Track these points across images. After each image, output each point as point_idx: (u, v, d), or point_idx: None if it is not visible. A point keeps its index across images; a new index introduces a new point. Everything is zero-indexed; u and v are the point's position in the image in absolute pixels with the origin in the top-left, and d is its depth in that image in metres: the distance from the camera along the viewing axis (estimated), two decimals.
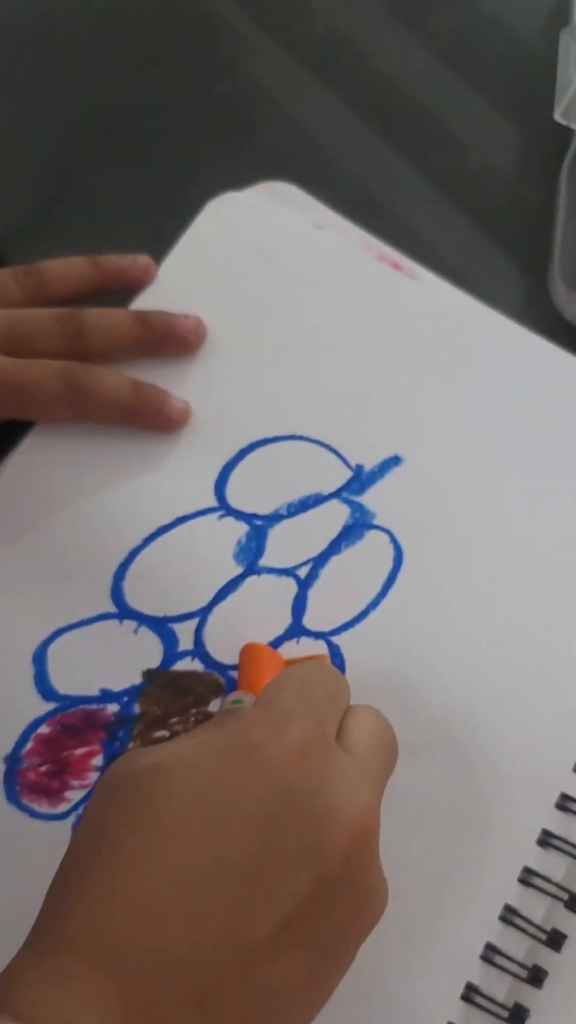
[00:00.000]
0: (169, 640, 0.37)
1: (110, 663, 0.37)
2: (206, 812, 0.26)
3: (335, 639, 0.38)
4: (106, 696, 0.37)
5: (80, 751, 0.36)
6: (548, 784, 0.35)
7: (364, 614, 0.38)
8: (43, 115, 0.50)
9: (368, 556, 0.38)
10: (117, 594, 0.38)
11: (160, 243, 0.44)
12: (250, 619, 0.38)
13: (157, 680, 0.37)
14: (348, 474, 0.40)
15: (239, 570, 0.38)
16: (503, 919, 0.33)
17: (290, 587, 0.38)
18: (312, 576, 0.38)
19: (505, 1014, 0.32)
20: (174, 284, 0.42)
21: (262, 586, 0.38)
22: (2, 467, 0.40)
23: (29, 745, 0.36)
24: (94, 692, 0.37)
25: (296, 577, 0.38)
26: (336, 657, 0.37)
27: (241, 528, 0.39)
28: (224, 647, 0.37)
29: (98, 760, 0.36)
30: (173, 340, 0.40)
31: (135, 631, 0.38)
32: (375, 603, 0.38)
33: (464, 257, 0.45)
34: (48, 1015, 0.23)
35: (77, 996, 0.23)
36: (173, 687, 0.37)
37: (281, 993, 0.25)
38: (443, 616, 0.38)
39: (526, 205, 0.47)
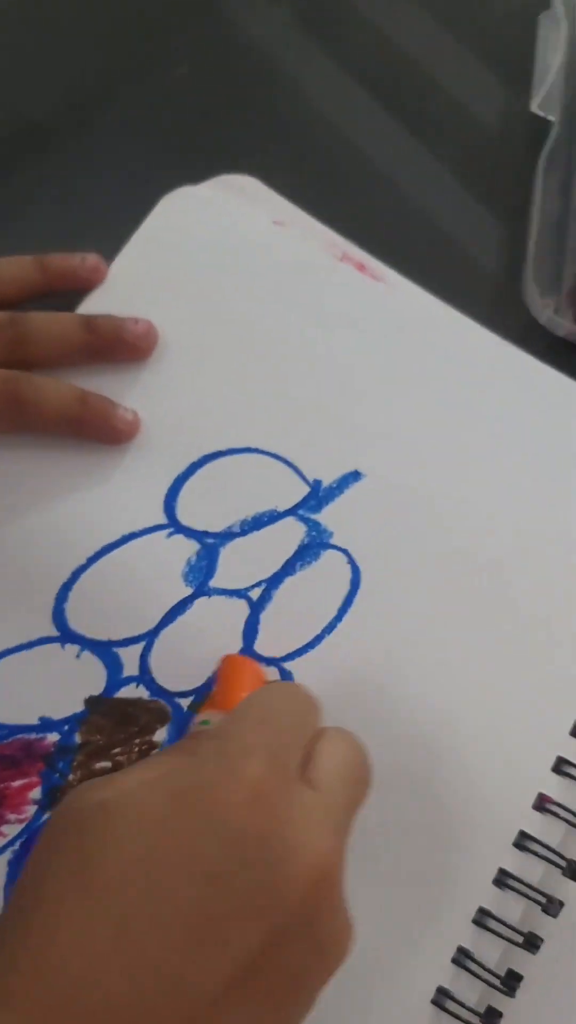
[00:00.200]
0: (113, 665, 0.36)
1: (50, 689, 0.36)
2: (150, 860, 0.24)
3: (287, 665, 0.36)
4: (46, 725, 0.35)
5: (17, 783, 0.35)
6: (507, 818, 0.34)
7: (318, 639, 0.36)
8: None
9: (324, 577, 0.37)
10: (59, 616, 0.36)
11: (111, 241, 0.41)
12: (199, 643, 0.36)
13: (100, 708, 0.36)
14: (305, 490, 0.38)
15: (188, 591, 0.37)
16: (455, 962, 0.33)
17: (242, 609, 0.37)
18: (265, 598, 0.37)
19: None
20: (125, 285, 0.40)
21: (212, 608, 0.37)
22: None
23: None
24: (33, 720, 0.35)
25: (248, 599, 0.37)
26: None
27: (191, 546, 0.37)
28: (171, 673, 0.36)
29: (36, 793, 0.35)
30: (122, 346, 0.38)
31: (77, 655, 0.36)
32: (330, 627, 0.36)
33: (435, 259, 0.43)
34: None
35: None
36: (116, 715, 0.35)
37: None
38: (400, 642, 0.36)
39: (500, 204, 0.45)
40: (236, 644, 0.36)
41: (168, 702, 0.36)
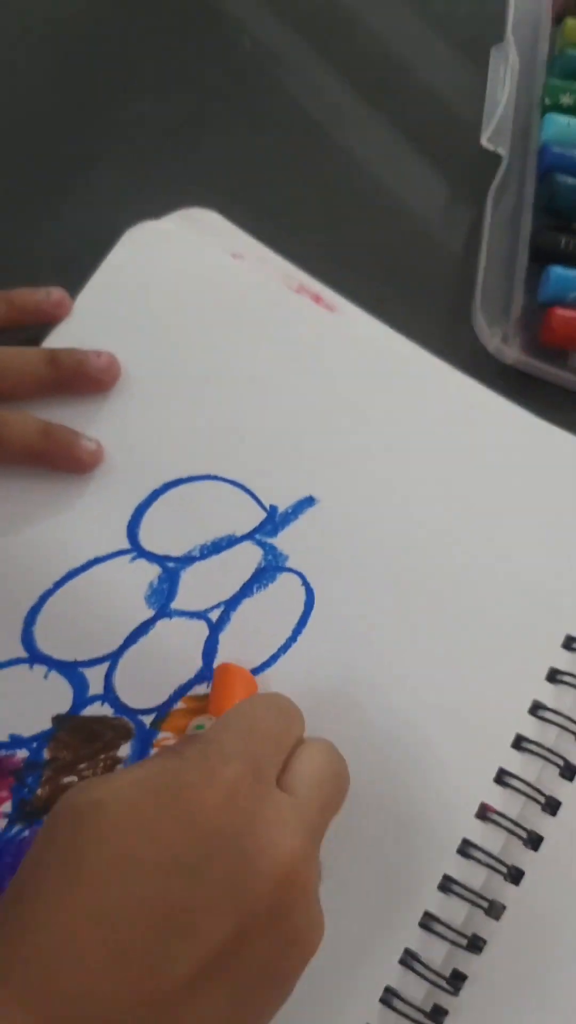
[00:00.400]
0: (79, 685, 0.38)
1: (20, 708, 0.37)
2: (132, 855, 0.26)
3: None
4: (15, 742, 0.37)
5: None
6: (449, 828, 0.36)
7: (274, 658, 0.38)
8: None
9: (280, 599, 0.39)
10: (27, 638, 0.38)
11: (78, 274, 0.43)
12: (161, 663, 0.38)
13: (67, 725, 0.37)
14: (262, 515, 0.40)
15: (150, 613, 0.38)
16: (402, 962, 0.35)
17: (202, 630, 0.38)
18: (224, 619, 0.38)
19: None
20: (89, 319, 0.42)
21: (173, 629, 0.38)
22: None
23: None
24: (3, 738, 0.37)
25: (208, 620, 0.38)
26: None
27: (153, 570, 0.39)
28: (134, 691, 0.38)
29: (6, 807, 0.36)
30: (85, 379, 0.40)
31: (45, 676, 0.38)
32: (285, 647, 0.38)
33: (389, 289, 0.45)
34: None
35: None
36: (82, 732, 0.37)
37: None
38: (352, 660, 0.38)
39: (452, 236, 0.46)
40: (196, 664, 0.38)
41: (131, 719, 0.37)
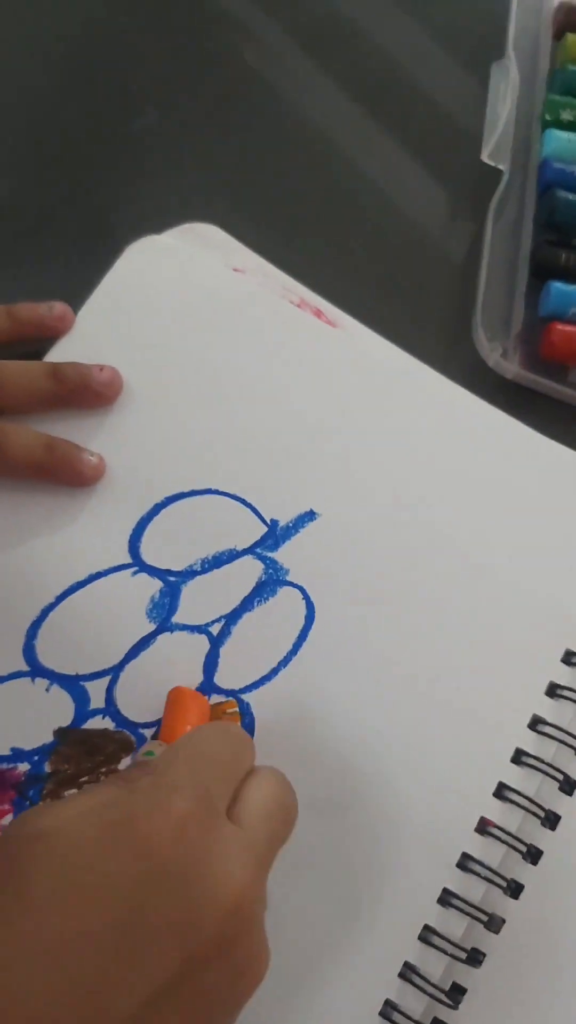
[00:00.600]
0: (80, 698, 0.38)
1: (21, 721, 0.37)
2: (78, 885, 0.26)
3: (245, 697, 0.38)
4: (17, 755, 0.37)
5: None
6: (448, 842, 0.36)
7: (274, 672, 0.38)
8: None
9: (280, 613, 0.39)
10: (29, 652, 0.38)
11: (80, 288, 0.43)
12: (161, 677, 0.38)
13: (68, 738, 0.37)
14: (263, 529, 0.40)
15: (151, 627, 0.39)
16: (402, 976, 0.35)
17: (202, 644, 0.39)
18: (224, 633, 0.39)
19: None
20: (91, 333, 0.42)
21: (174, 643, 0.38)
22: None
23: None
24: (5, 751, 0.37)
25: (208, 634, 0.39)
26: (246, 715, 0.38)
27: (155, 584, 0.39)
28: (135, 705, 0.38)
29: (7, 820, 0.37)
30: (88, 394, 0.40)
31: (47, 689, 0.38)
32: (285, 661, 0.38)
33: (390, 304, 0.45)
34: None
35: None
36: (84, 745, 0.37)
37: None
38: (352, 674, 0.38)
39: (452, 251, 0.47)
40: (197, 677, 0.38)
41: (132, 732, 0.37)
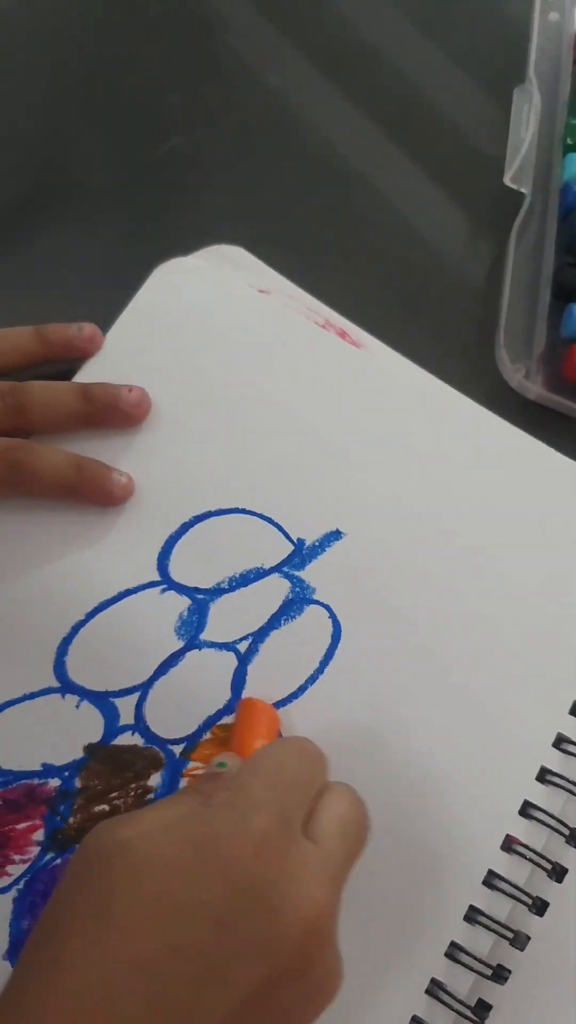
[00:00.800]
0: (110, 714, 0.38)
1: (52, 737, 0.38)
2: (163, 901, 0.26)
3: None
4: (48, 771, 0.38)
5: (21, 826, 0.37)
6: (474, 860, 0.37)
7: (302, 689, 0.39)
8: None
9: (307, 631, 0.39)
10: (60, 668, 0.39)
11: (109, 308, 0.44)
12: (190, 693, 0.39)
13: (98, 755, 0.38)
14: (290, 548, 0.40)
15: (180, 644, 0.39)
16: (429, 992, 0.35)
17: (230, 661, 0.39)
18: (252, 651, 0.39)
19: None
20: (120, 353, 0.43)
21: (203, 660, 0.39)
22: None
23: None
24: (36, 767, 0.38)
25: (236, 651, 0.39)
26: None
27: (183, 602, 0.40)
28: (164, 721, 0.38)
29: (39, 835, 0.37)
30: (116, 414, 0.41)
31: (77, 705, 0.38)
32: (313, 678, 0.39)
33: (414, 326, 0.46)
34: None
35: None
36: (113, 762, 0.38)
37: None
38: (378, 693, 0.39)
39: (475, 273, 0.47)
40: (225, 695, 0.39)
41: (161, 749, 0.38)
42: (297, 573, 0.40)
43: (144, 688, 0.38)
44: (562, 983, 0.36)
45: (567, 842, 0.37)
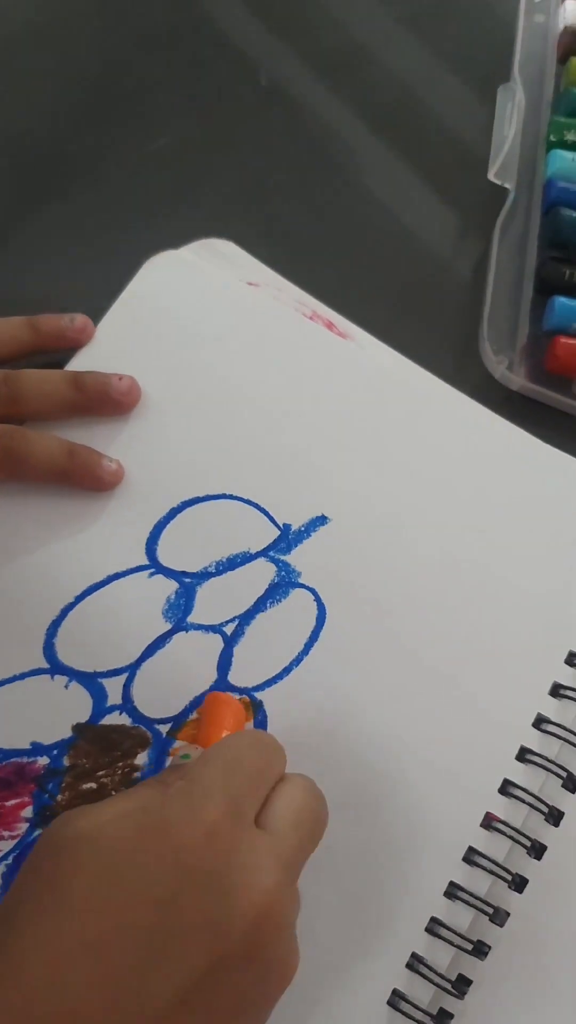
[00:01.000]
0: (98, 695, 0.39)
1: (41, 717, 0.39)
2: (114, 886, 0.27)
3: (259, 695, 0.39)
4: (37, 749, 0.38)
5: (10, 803, 0.38)
6: (455, 837, 0.37)
7: (287, 670, 0.39)
8: None
9: (292, 614, 0.40)
10: (49, 650, 0.39)
11: (100, 300, 0.44)
12: (177, 674, 0.39)
13: (86, 734, 0.39)
14: (276, 533, 0.41)
15: (167, 627, 0.40)
16: (409, 967, 0.36)
17: (217, 643, 0.40)
18: (238, 633, 0.40)
19: None
20: (111, 343, 0.44)
21: (189, 642, 0.40)
22: None
23: None
24: (25, 745, 0.38)
25: (223, 634, 0.40)
26: (259, 712, 0.39)
27: (171, 586, 0.40)
28: (151, 702, 0.39)
29: (27, 812, 0.38)
30: (107, 402, 0.41)
31: (66, 686, 0.39)
32: (298, 660, 0.39)
33: (400, 317, 0.47)
34: None
35: None
36: (101, 741, 0.38)
37: None
38: (362, 674, 0.39)
39: (460, 267, 0.48)
40: (211, 676, 0.39)
41: (148, 728, 0.39)
42: (283, 557, 0.41)
43: (132, 669, 0.39)
44: (541, 959, 0.37)
45: (546, 820, 0.38)
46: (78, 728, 0.38)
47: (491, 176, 0.48)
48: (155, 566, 0.41)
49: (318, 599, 0.40)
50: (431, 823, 0.37)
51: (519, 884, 0.37)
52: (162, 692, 0.39)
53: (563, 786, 0.38)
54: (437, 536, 0.41)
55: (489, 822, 0.37)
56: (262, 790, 0.31)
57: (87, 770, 0.38)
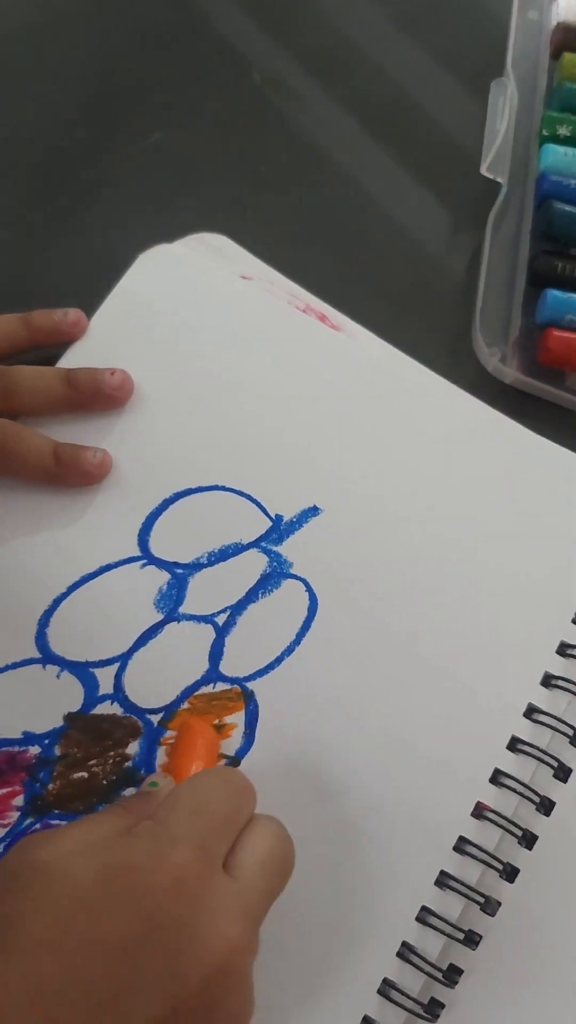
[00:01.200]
0: (90, 684, 0.39)
1: (33, 706, 0.39)
2: (69, 928, 0.26)
3: (250, 685, 0.39)
4: (28, 738, 0.38)
5: (2, 792, 0.38)
6: (445, 826, 0.37)
7: (278, 660, 0.39)
8: None
9: (284, 604, 0.40)
10: (41, 640, 0.39)
11: (94, 294, 0.45)
12: (168, 664, 0.39)
13: (78, 723, 0.39)
14: (268, 524, 0.41)
15: (159, 617, 0.40)
16: (400, 956, 0.36)
17: (208, 634, 0.40)
18: (230, 623, 0.40)
19: None
20: (104, 337, 0.44)
21: (181, 632, 0.40)
22: None
23: None
24: (17, 734, 0.38)
25: (214, 624, 0.40)
26: (250, 702, 0.39)
27: (163, 576, 0.41)
28: (143, 691, 0.39)
29: (19, 800, 0.38)
30: (100, 397, 0.42)
31: (58, 675, 0.39)
32: (289, 650, 0.40)
33: (393, 310, 0.47)
34: None
35: None
36: (93, 730, 0.39)
37: None
38: (353, 663, 0.39)
39: (453, 261, 0.48)
40: (203, 666, 0.39)
41: (140, 718, 0.39)
42: (275, 548, 0.41)
43: (123, 659, 0.39)
44: (532, 948, 0.37)
45: (537, 810, 0.38)
46: (70, 717, 0.39)
47: (483, 170, 0.48)
48: (147, 557, 0.41)
49: (310, 590, 0.40)
50: (422, 812, 0.37)
51: (510, 874, 0.36)
52: (154, 682, 0.39)
53: (554, 776, 0.38)
54: (429, 527, 0.41)
55: (480, 811, 0.37)
56: (231, 834, 0.30)
57: (78, 759, 0.38)
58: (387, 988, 0.35)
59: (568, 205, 0.47)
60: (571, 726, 0.38)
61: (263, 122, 0.52)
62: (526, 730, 0.38)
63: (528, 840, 0.37)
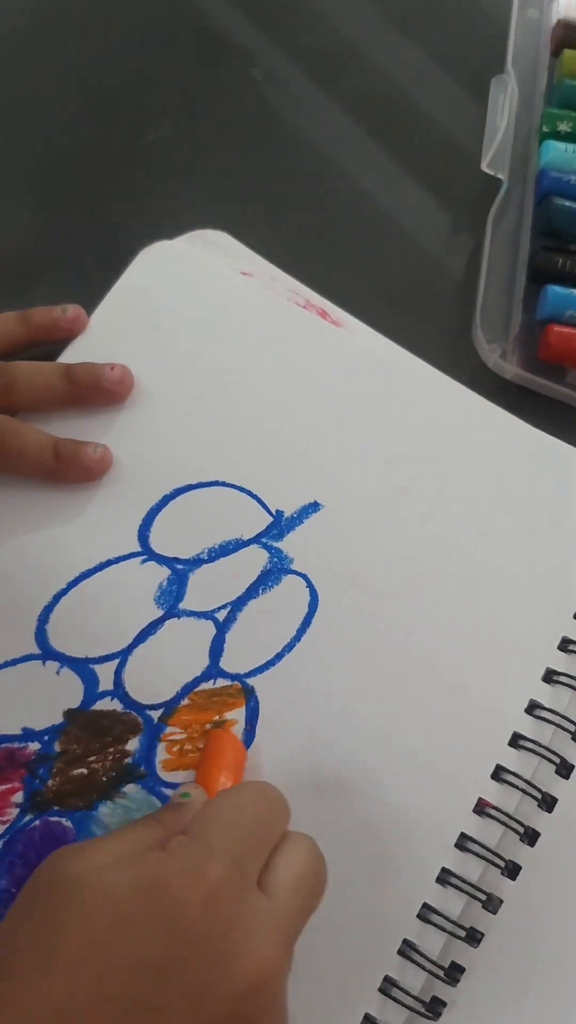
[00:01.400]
0: (90, 680, 0.39)
1: (33, 702, 0.39)
2: (106, 944, 0.26)
3: (250, 681, 0.39)
4: (28, 735, 0.38)
5: (1, 788, 0.38)
6: (447, 823, 0.37)
7: (279, 657, 0.39)
8: None
9: (284, 600, 0.40)
10: (41, 636, 0.39)
11: (95, 291, 0.45)
12: (169, 660, 0.39)
13: (77, 719, 0.38)
14: (268, 520, 0.41)
15: (159, 613, 0.40)
16: (401, 953, 0.35)
17: (208, 629, 0.40)
18: (230, 619, 0.40)
19: None
20: (104, 333, 0.44)
21: (181, 628, 0.40)
22: None
23: None
24: (16, 731, 0.38)
25: (215, 620, 0.40)
26: (251, 698, 0.39)
27: (163, 572, 0.40)
28: (143, 687, 0.39)
29: (18, 797, 0.38)
30: (100, 393, 0.41)
31: (57, 671, 0.39)
32: (290, 646, 0.39)
33: (394, 306, 0.47)
34: None
35: None
36: (93, 726, 0.38)
37: None
38: (354, 660, 0.39)
39: (454, 257, 0.48)
40: (203, 662, 0.39)
41: (140, 714, 0.39)
42: (275, 544, 0.41)
43: (123, 655, 0.39)
44: (534, 946, 0.36)
45: (539, 806, 0.37)
46: (69, 714, 0.38)
47: (484, 166, 0.48)
48: (147, 553, 0.41)
49: (310, 585, 0.40)
50: (423, 809, 0.37)
51: (512, 871, 0.36)
52: (154, 678, 0.39)
53: (556, 772, 0.38)
54: (430, 523, 0.41)
55: (482, 808, 0.37)
56: (265, 851, 0.30)
57: (78, 756, 0.38)
58: (388, 986, 0.35)
59: (568, 201, 0.47)
60: (573, 722, 0.38)
61: (263, 121, 0.52)
62: (528, 726, 0.38)
63: (530, 837, 0.37)
